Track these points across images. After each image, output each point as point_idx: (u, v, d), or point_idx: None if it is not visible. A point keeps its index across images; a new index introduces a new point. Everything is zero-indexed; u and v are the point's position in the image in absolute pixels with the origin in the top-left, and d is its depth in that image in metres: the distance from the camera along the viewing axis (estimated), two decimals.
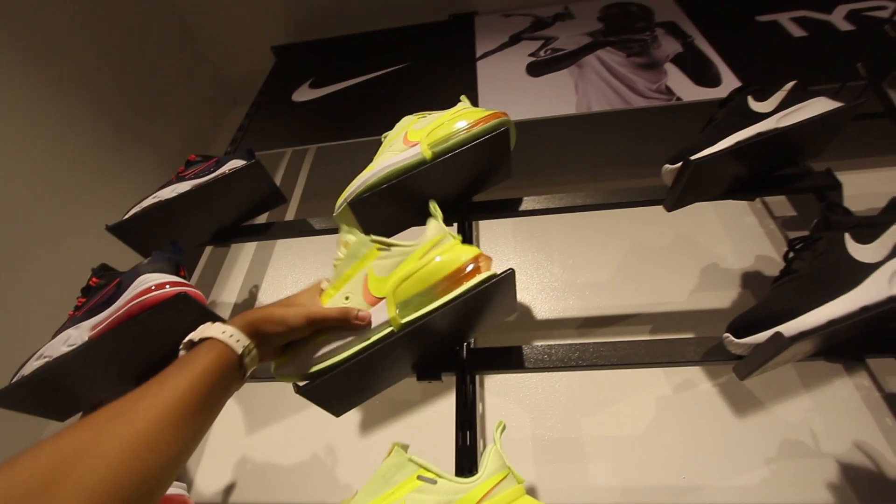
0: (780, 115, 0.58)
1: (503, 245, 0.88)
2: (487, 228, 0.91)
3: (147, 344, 0.55)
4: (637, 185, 0.65)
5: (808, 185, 0.62)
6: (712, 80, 0.81)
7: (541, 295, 0.79)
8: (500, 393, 0.69)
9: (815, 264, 0.47)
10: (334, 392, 0.45)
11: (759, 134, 0.56)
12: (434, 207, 0.49)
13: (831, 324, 0.42)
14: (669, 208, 0.61)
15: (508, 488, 0.40)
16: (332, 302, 0.42)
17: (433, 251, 0.44)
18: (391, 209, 0.60)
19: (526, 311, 0.78)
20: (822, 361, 0.50)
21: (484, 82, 0.93)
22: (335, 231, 0.63)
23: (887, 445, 0.56)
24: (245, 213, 0.77)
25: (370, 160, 0.60)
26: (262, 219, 0.80)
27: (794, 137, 0.57)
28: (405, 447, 0.43)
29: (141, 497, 0.26)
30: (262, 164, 0.72)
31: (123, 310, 0.53)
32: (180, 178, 0.72)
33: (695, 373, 0.66)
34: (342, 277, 0.44)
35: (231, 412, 0.74)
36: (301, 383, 0.42)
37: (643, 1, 1.05)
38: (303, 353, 0.41)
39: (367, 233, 0.46)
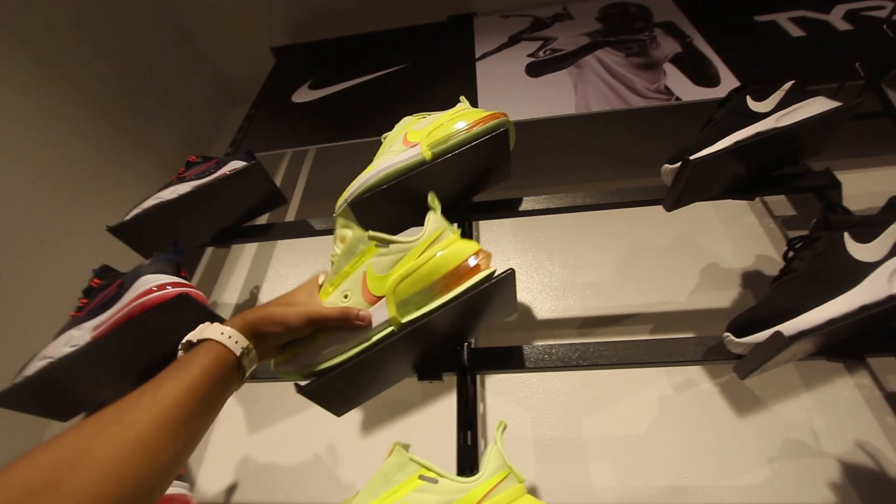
0: (778, 114, 0.58)
1: (503, 245, 0.89)
2: (487, 228, 0.92)
3: (149, 344, 0.55)
4: (637, 185, 0.65)
5: (808, 184, 0.63)
6: (711, 79, 0.82)
7: (541, 295, 0.79)
8: (500, 393, 0.69)
9: (815, 264, 0.48)
10: (335, 392, 0.45)
11: (757, 133, 0.56)
12: (433, 199, 0.47)
13: (831, 323, 0.42)
14: (669, 208, 0.61)
15: (509, 488, 0.40)
16: (331, 300, 0.42)
17: (433, 247, 0.43)
18: (391, 210, 0.60)
19: (526, 311, 0.78)
20: (822, 360, 0.50)
21: (483, 83, 0.94)
22: None
23: (889, 444, 0.56)
24: (246, 214, 0.77)
25: (370, 161, 0.60)
26: (262, 220, 0.81)
27: (793, 137, 0.57)
28: (406, 447, 0.43)
29: (137, 501, 0.26)
30: (262, 165, 0.72)
31: (125, 311, 0.53)
32: (181, 180, 0.72)
33: (695, 372, 0.66)
34: (340, 274, 0.43)
35: (233, 412, 0.74)
36: (302, 383, 0.43)
37: (642, 1, 1.05)
38: (303, 352, 0.41)
39: (365, 229, 0.44)
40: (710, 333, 0.51)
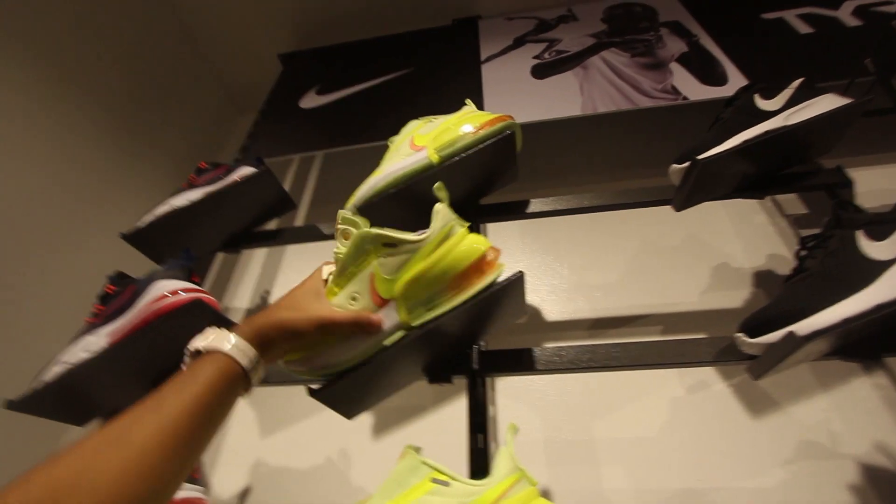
0: (787, 112, 0.57)
1: (511, 247, 0.89)
2: (495, 231, 0.92)
3: (163, 349, 0.56)
4: (645, 186, 0.65)
5: (819, 182, 0.62)
6: (718, 78, 0.81)
7: (550, 297, 0.79)
8: (511, 395, 0.69)
9: (828, 262, 0.47)
10: (346, 395, 0.45)
11: (766, 132, 0.56)
12: (440, 188, 0.44)
13: (846, 322, 0.42)
14: (678, 208, 0.61)
15: (522, 490, 0.40)
16: (338, 301, 0.41)
17: (443, 246, 0.41)
18: (399, 213, 0.60)
19: (536, 313, 0.78)
20: (838, 361, 0.50)
21: (489, 85, 0.94)
22: None
23: None
24: (255, 220, 0.78)
25: (377, 165, 0.60)
26: (271, 225, 0.81)
27: (803, 135, 0.56)
28: (418, 450, 0.43)
29: None
30: (271, 170, 0.73)
31: (139, 316, 0.54)
32: (192, 186, 0.73)
33: (708, 373, 0.65)
34: (346, 275, 0.41)
35: (246, 416, 0.75)
36: (314, 387, 0.43)
37: (647, 1, 1.05)
38: (313, 354, 0.41)
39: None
40: (721, 334, 0.50)
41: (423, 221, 0.64)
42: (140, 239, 0.69)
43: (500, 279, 0.44)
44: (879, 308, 0.42)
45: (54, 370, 0.54)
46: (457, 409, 0.69)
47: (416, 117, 0.64)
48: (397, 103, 0.97)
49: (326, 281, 0.42)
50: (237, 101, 1.39)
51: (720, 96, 0.77)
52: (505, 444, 0.43)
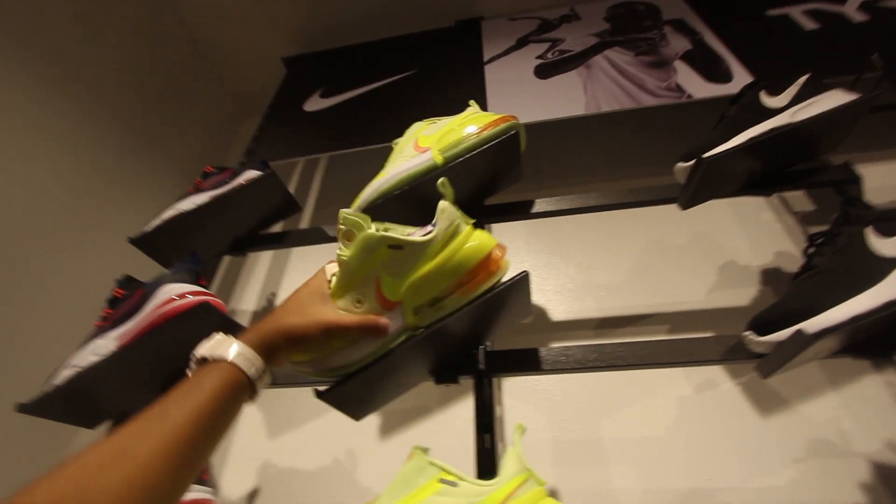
0: (794, 109, 0.57)
1: (516, 247, 0.89)
2: (500, 231, 0.91)
3: (171, 352, 0.56)
4: (650, 184, 0.65)
5: (826, 179, 0.61)
6: (723, 76, 0.81)
7: (556, 296, 0.79)
8: (518, 395, 0.69)
9: (837, 259, 0.47)
10: (354, 397, 0.46)
11: (773, 129, 0.56)
12: (445, 184, 0.42)
13: (855, 320, 0.41)
14: (684, 206, 0.61)
15: (530, 490, 0.40)
16: (344, 304, 0.39)
17: (449, 246, 0.40)
18: (404, 214, 0.60)
19: (541, 313, 0.78)
20: (848, 358, 0.49)
21: (492, 86, 0.94)
22: None
23: None
24: (261, 223, 0.79)
25: (382, 167, 0.61)
26: (277, 227, 0.82)
27: (810, 132, 0.56)
28: (426, 450, 0.43)
29: None
30: (276, 174, 0.74)
31: (148, 320, 0.55)
32: (198, 190, 0.74)
33: (716, 372, 0.65)
34: (351, 277, 0.39)
35: (254, 417, 0.75)
36: (321, 388, 0.43)
37: None
38: (320, 357, 0.41)
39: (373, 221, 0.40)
40: (729, 332, 0.50)
41: (428, 222, 0.64)
42: (147, 243, 0.70)
43: (506, 279, 0.44)
44: (889, 305, 0.41)
45: (64, 374, 0.54)
46: (463, 410, 0.69)
47: (420, 119, 0.64)
48: (401, 105, 0.98)
49: (330, 281, 0.41)
50: (242, 105, 1.40)
51: (725, 94, 0.77)
52: (512, 445, 0.43)
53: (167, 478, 0.27)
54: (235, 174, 0.75)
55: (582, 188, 0.91)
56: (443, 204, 0.41)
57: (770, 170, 0.61)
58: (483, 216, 0.67)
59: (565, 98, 0.85)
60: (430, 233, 0.40)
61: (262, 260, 1.02)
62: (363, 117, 0.98)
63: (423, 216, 0.61)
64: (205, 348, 0.34)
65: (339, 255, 0.39)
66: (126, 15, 1.03)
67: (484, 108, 0.85)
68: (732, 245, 0.78)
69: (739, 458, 0.58)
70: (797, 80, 0.59)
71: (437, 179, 0.56)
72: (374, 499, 0.42)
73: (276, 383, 0.54)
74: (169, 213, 0.71)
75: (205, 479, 0.63)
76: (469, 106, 0.63)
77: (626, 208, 0.65)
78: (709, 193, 0.60)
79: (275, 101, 1.11)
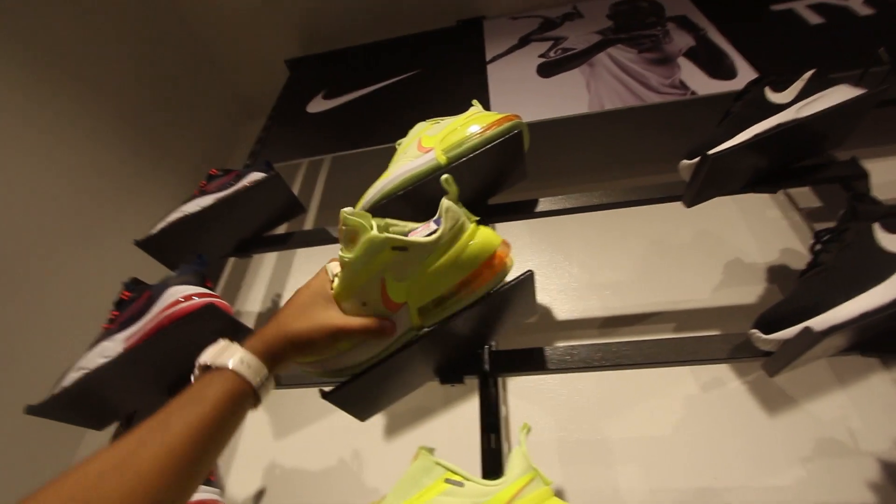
0: (799, 104, 0.56)
1: (520, 247, 0.88)
2: (504, 231, 0.90)
3: (178, 353, 0.57)
4: (654, 182, 0.64)
5: (833, 175, 0.61)
6: (727, 72, 0.80)
7: (560, 295, 0.79)
8: (523, 395, 0.69)
9: (844, 256, 0.46)
10: (359, 397, 0.46)
11: (778, 125, 0.55)
12: (449, 182, 0.41)
13: (864, 317, 0.41)
14: (689, 204, 0.60)
15: (536, 490, 0.39)
16: (348, 306, 0.38)
17: (455, 246, 0.40)
18: (408, 214, 0.60)
19: (546, 313, 0.77)
20: (856, 356, 0.49)
21: (495, 85, 0.94)
22: None
23: None
24: (266, 224, 0.79)
25: (385, 168, 0.61)
26: (281, 229, 0.82)
27: (816, 127, 0.56)
28: (431, 450, 0.43)
29: None
30: (280, 175, 0.74)
31: (154, 321, 0.55)
32: (203, 193, 0.74)
33: (722, 371, 0.65)
34: (355, 279, 0.37)
35: (260, 418, 0.76)
36: (327, 389, 0.43)
37: None
38: (325, 359, 0.41)
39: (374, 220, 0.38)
40: (735, 331, 0.49)
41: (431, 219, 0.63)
42: (153, 246, 0.70)
43: (510, 278, 0.44)
44: None
45: (73, 376, 0.55)
46: (469, 410, 0.69)
47: (423, 119, 0.64)
48: (404, 106, 0.98)
49: (332, 281, 0.39)
50: (246, 108, 1.41)
51: (729, 90, 0.76)
52: (518, 444, 0.43)
53: (169, 488, 0.27)
54: (240, 176, 0.75)
55: (586, 187, 0.90)
56: (447, 203, 0.40)
57: (776, 166, 0.60)
58: (487, 216, 0.67)
59: (568, 96, 0.85)
60: (434, 232, 0.39)
61: (267, 261, 1.02)
62: (366, 118, 0.98)
63: (428, 216, 0.62)
64: (209, 356, 0.33)
65: (341, 257, 0.38)
66: (131, 19, 1.04)
67: (487, 107, 0.85)
68: (738, 242, 0.78)
69: (746, 458, 0.57)
70: (802, 76, 0.58)
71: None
72: (379, 499, 0.42)
73: (281, 384, 0.55)
74: (174, 216, 0.71)
75: (212, 479, 0.63)
76: (472, 105, 0.63)
77: (630, 206, 0.64)
78: (714, 191, 0.60)
79: (278, 104, 1.12)
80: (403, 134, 0.64)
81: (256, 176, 0.74)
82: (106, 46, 0.97)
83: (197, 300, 0.56)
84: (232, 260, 1.01)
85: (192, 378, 0.33)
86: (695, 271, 0.76)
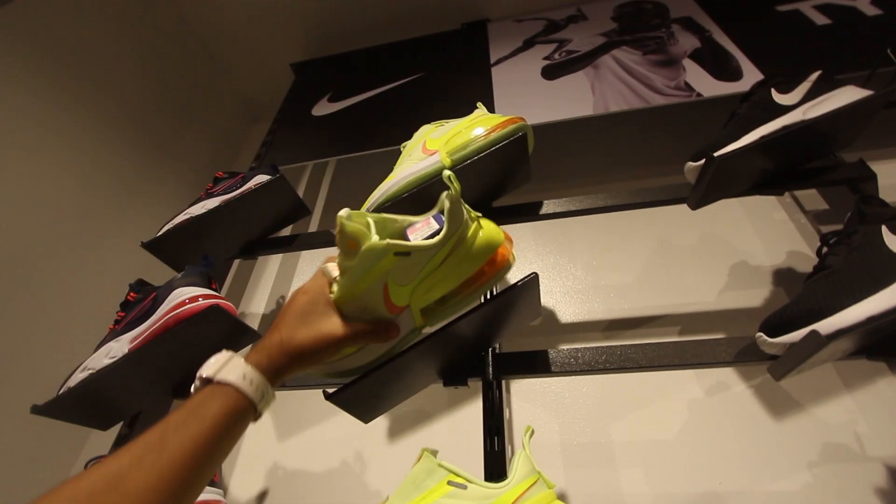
0: (805, 106, 0.56)
1: (525, 249, 0.88)
2: (508, 232, 0.91)
3: (183, 354, 0.57)
4: (660, 184, 0.64)
5: (840, 177, 0.60)
6: (733, 74, 0.80)
7: (565, 298, 0.79)
8: (526, 398, 0.69)
9: (851, 259, 0.46)
10: (363, 399, 0.46)
11: (784, 127, 0.55)
12: (451, 179, 0.40)
13: (871, 321, 0.40)
14: (694, 206, 0.60)
15: (539, 493, 0.39)
16: (350, 312, 0.37)
17: (459, 247, 0.39)
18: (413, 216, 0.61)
19: (550, 315, 0.77)
20: (863, 360, 0.48)
21: (499, 88, 0.94)
22: None
23: None
24: (271, 226, 0.79)
25: (390, 170, 0.61)
26: (286, 231, 0.83)
27: (823, 129, 0.55)
28: (434, 452, 0.43)
29: None
30: (286, 178, 0.74)
31: (160, 323, 0.55)
32: (209, 195, 0.75)
33: (727, 374, 0.64)
34: (356, 285, 0.36)
35: (263, 419, 0.76)
36: (330, 390, 0.43)
37: None
38: (329, 362, 0.41)
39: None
40: (741, 334, 0.49)
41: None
42: (160, 247, 0.71)
43: (515, 281, 0.44)
44: None
45: (79, 376, 0.55)
46: (472, 412, 0.69)
47: (427, 122, 0.64)
48: (409, 108, 0.98)
49: (331, 284, 0.38)
50: (252, 111, 1.42)
51: (735, 92, 0.76)
52: (521, 447, 0.43)
53: None
54: (246, 179, 0.76)
55: (590, 189, 0.90)
56: (448, 202, 0.38)
57: (782, 168, 0.60)
58: (491, 218, 0.67)
59: (573, 99, 0.85)
60: (437, 233, 0.38)
61: (272, 263, 1.03)
62: (371, 121, 0.98)
63: None
64: (211, 369, 0.32)
65: (340, 263, 0.36)
66: (138, 23, 1.05)
67: (491, 110, 0.85)
68: (744, 245, 0.77)
69: (752, 462, 0.57)
70: (809, 77, 0.58)
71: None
72: (383, 501, 0.42)
73: (284, 386, 0.55)
74: (181, 218, 0.72)
75: (215, 480, 0.63)
76: (476, 108, 0.63)
77: (635, 209, 0.64)
78: (720, 193, 0.59)
79: (284, 107, 1.12)
80: (408, 136, 0.64)
81: (262, 178, 0.75)
82: (113, 50, 0.98)
83: (202, 301, 0.56)
84: (237, 261, 1.02)
85: (193, 388, 0.32)
86: (700, 274, 0.75)
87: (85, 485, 0.26)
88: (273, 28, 1.22)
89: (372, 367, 0.42)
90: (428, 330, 0.43)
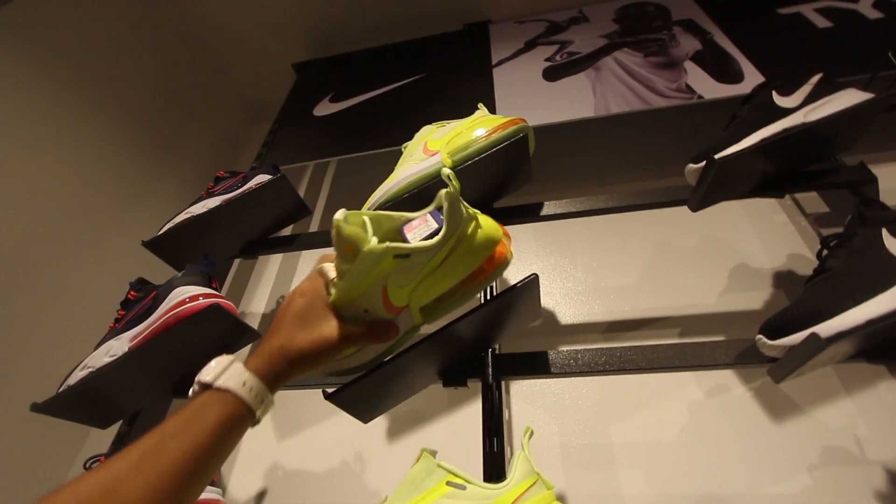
0: (806, 109, 0.56)
1: (525, 250, 0.88)
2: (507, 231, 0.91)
3: (183, 353, 0.57)
4: (660, 186, 0.64)
5: (841, 180, 0.60)
6: (734, 76, 0.80)
7: (565, 299, 0.79)
8: (526, 399, 0.69)
9: (851, 262, 0.46)
10: (362, 399, 0.46)
11: (785, 130, 0.55)
12: (450, 178, 0.39)
13: (871, 323, 0.40)
14: (694, 208, 0.60)
15: (538, 494, 0.39)
16: (349, 313, 0.36)
17: (459, 247, 0.39)
18: None
19: (550, 316, 0.77)
20: (863, 363, 0.48)
21: (501, 89, 0.94)
22: None
23: None
24: (271, 226, 0.79)
25: (391, 171, 0.61)
26: (287, 231, 0.83)
27: (823, 132, 0.55)
28: (434, 453, 0.43)
29: None
30: (287, 178, 0.74)
31: (160, 321, 0.55)
32: (210, 194, 0.75)
33: (727, 376, 0.64)
34: (355, 288, 0.35)
35: (262, 419, 0.76)
36: (330, 390, 0.43)
37: (659, 0, 1.04)
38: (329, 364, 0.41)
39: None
40: (741, 336, 0.49)
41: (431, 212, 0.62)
42: (160, 246, 0.71)
43: (515, 282, 0.44)
44: None
45: (78, 375, 0.55)
46: (471, 413, 0.69)
47: (429, 122, 0.64)
48: (410, 109, 0.98)
49: (328, 284, 0.37)
50: (253, 111, 1.42)
51: (736, 94, 0.76)
52: (520, 448, 0.43)
53: None
54: (247, 178, 0.76)
55: (591, 190, 0.90)
56: (447, 201, 0.37)
57: (783, 171, 0.60)
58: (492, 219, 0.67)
59: (574, 100, 0.85)
60: (436, 233, 0.37)
61: (272, 262, 1.03)
62: (372, 121, 0.98)
63: None
64: (210, 374, 0.31)
65: (338, 266, 0.36)
66: (140, 23, 1.05)
67: (492, 111, 0.85)
68: (744, 247, 0.77)
69: (751, 465, 0.57)
70: (810, 80, 0.58)
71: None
72: (382, 501, 0.42)
73: (286, 386, 0.55)
74: (182, 217, 0.72)
75: (214, 480, 0.63)
76: (477, 109, 0.63)
77: (635, 210, 0.64)
78: (720, 195, 0.59)
79: (285, 107, 1.13)
80: (409, 137, 0.64)
81: (263, 178, 0.75)
82: (114, 50, 0.98)
83: (203, 301, 0.56)
84: (237, 261, 1.02)
85: (191, 392, 0.32)
86: (700, 276, 0.75)
87: (83, 489, 0.26)
88: (275, 28, 1.22)
89: (371, 365, 0.42)
90: (427, 328, 0.43)
